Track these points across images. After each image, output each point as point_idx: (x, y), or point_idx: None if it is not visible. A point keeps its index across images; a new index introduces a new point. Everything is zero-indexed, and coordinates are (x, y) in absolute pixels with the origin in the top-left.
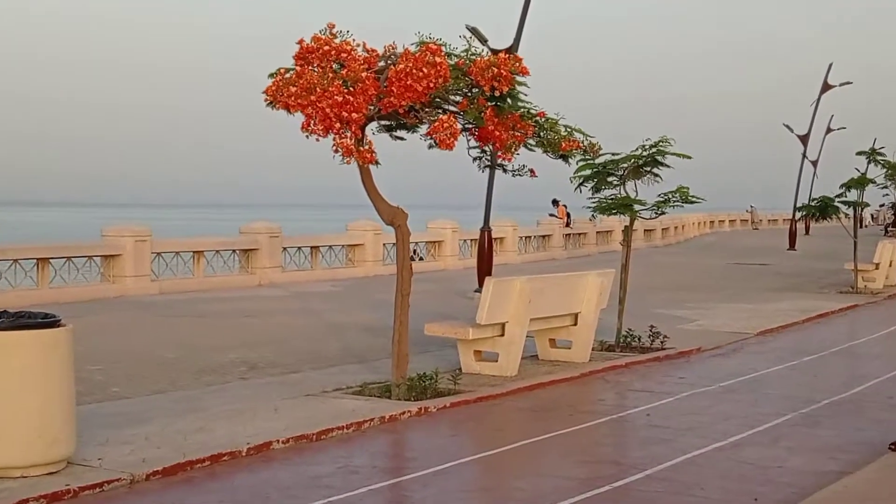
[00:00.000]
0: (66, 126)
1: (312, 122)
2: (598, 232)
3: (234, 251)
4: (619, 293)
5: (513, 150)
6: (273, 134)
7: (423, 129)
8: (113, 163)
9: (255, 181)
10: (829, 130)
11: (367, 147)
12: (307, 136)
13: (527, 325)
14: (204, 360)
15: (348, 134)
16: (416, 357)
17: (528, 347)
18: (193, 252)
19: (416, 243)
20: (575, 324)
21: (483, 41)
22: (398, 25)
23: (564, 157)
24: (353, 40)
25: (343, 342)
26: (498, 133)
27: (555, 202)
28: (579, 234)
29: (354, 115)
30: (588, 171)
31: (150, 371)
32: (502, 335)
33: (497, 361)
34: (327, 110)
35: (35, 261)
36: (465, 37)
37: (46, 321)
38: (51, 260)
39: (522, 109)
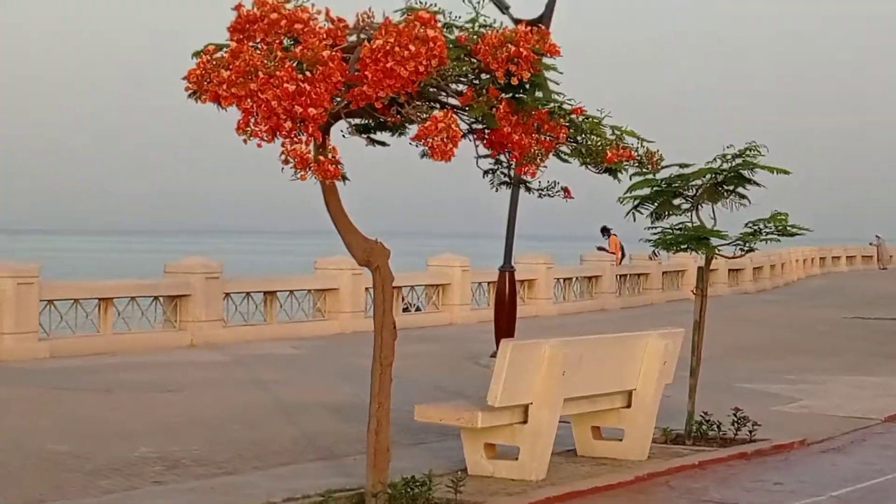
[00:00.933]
0: None
1: (253, 119)
2: (664, 273)
3: (155, 298)
4: (690, 361)
5: (538, 160)
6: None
7: (413, 129)
8: None
9: (180, 198)
10: None
11: (329, 156)
12: (245, 140)
13: (560, 408)
14: (105, 454)
15: (303, 137)
16: (403, 451)
17: (561, 438)
18: (99, 299)
19: (412, 288)
20: (628, 405)
21: (503, 8)
22: None
23: (612, 172)
24: (313, 6)
25: (301, 429)
26: (517, 137)
27: (605, 231)
28: (639, 274)
29: (312, 111)
30: (646, 191)
31: (26, 470)
32: (525, 422)
33: (518, 459)
34: (274, 103)
35: None
36: (471, 1)
37: None
38: None
39: (551, 104)
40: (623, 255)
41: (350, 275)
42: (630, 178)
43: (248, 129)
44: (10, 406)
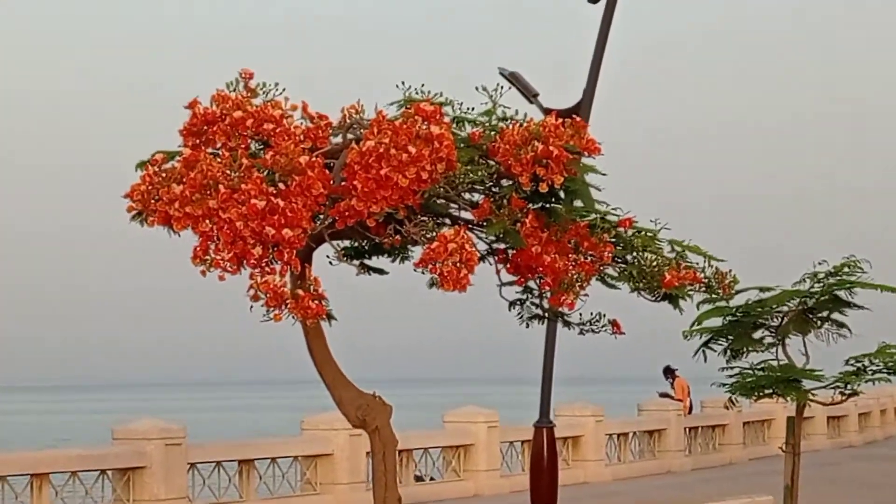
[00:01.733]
0: None
1: (213, 245)
2: (745, 423)
3: (102, 472)
4: None
5: (577, 288)
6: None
7: (417, 252)
8: None
9: (118, 343)
10: None
11: (311, 289)
12: (203, 271)
13: None
14: None
15: (277, 266)
16: None
17: None
18: (31, 475)
19: (425, 452)
20: None
21: (529, 95)
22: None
23: (672, 299)
24: (286, 100)
25: None
26: (549, 259)
27: (669, 373)
28: (713, 426)
29: (288, 233)
30: (717, 322)
31: None
32: None
33: None
34: (239, 225)
35: None
36: (485, 90)
37: None
38: None
39: (592, 215)
40: (692, 403)
41: (346, 436)
42: (697, 307)
43: (208, 257)
44: None
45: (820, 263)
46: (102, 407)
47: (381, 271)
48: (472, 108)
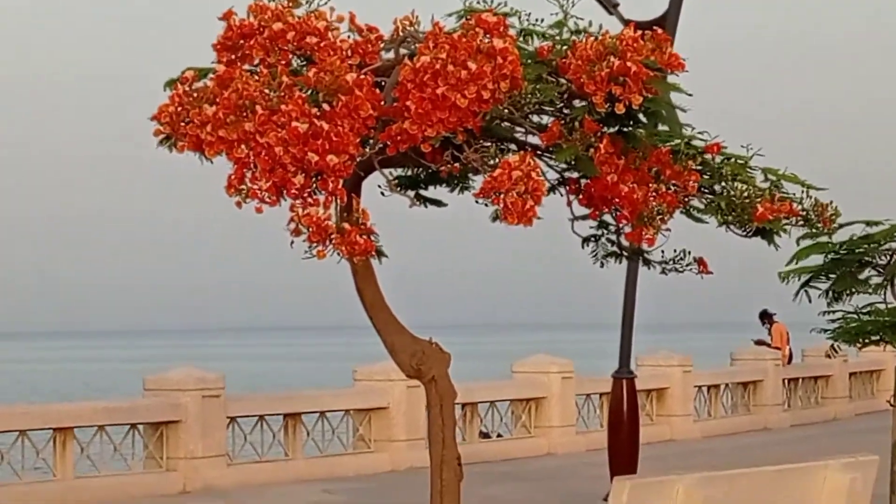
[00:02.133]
0: None
1: (249, 173)
2: (852, 374)
3: (132, 426)
4: (890, 501)
5: (658, 221)
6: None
7: (477, 182)
8: None
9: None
10: None
11: (359, 223)
12: (239, 203)
13: None
14: None
15: (321, 197)
16: None
17: None
18: (53, 429)
19: (491, 405)
20: None
21: (608, 5)
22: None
23: (766, 234)
24: (332, 11)
25: None
26: (626, 189)
27: (765, 318)
28: (815, 378)
29: (333, 160)
30: (818, 260)
31: None
32: None
33: None
34: (278, 150)
35: None
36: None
37: None
38: None
39: (676, 140)
40: (791, 352)
41: (404, 388)
42: (796, 243)
43: (244, 187)
44: None
45: None
46: (132, 355)
47: (438, 203)
48: (541, 20)
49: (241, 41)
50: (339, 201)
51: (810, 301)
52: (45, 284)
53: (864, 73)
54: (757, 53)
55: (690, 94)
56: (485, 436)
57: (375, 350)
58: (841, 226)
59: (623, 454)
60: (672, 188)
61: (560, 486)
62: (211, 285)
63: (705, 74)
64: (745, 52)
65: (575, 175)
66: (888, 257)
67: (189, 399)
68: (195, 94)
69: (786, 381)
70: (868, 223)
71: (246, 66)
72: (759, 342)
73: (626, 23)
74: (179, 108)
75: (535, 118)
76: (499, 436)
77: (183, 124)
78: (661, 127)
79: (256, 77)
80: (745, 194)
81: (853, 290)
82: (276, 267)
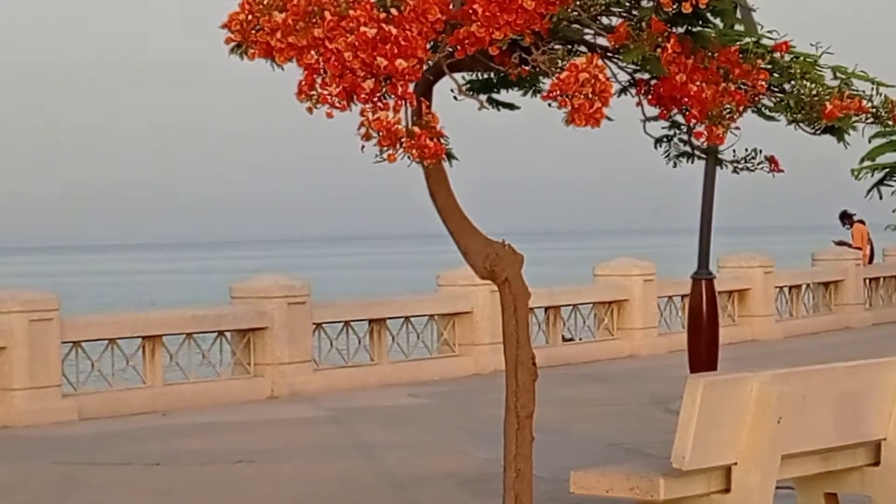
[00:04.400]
0: None
1: (319, 79)
2: None
3: (220, 333)
4: None
5: (726, 120)
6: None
7: (547, 84)
8: None
9: (237, 200)
10: None
11: (428, 125)
12: (310, 108)
13: (777, 469)
14: None
15: (391, 101)
16: None
17: None
18: (142, 337)
19: (574, 308)
20: (877, 462)
21: None
22: None
23: (836, 131)
24: None
25: None
26: (695, 88)
27: (846, 218)
28: (893, 276)
29: (402, 64)
30: (891, 156)
31: None
32: (727, 490)
33: None
34: (348, 55)
35: None
36: None
37: None
38: None
39: (744, 39)
40: (873, 252)
41: (487, 293)
42: (868, 141)
43: (314, 92)
44: (21, 492)
45: None
46: (218, 266)
47: (511, 106)
48: None
49: None
50: (408, 105)
51: (881, 198)
52: (131, 199)
53: None
54: None
55: None
56: (568, 340)
57: (456, 257)
58: None
59: (703, 354)
60: (741, 87)
61: (641, 386)
62: (287, 195)
63: None
64: None
65: (644, 76)
66: None
67: (275, 306)
68: (265, 2)
69: (867, 281)
70: None
71: None
72: (840, 243)
73: None
74: (249, 16)
75: (604, 20)
76: (581, 339)
77: (253, 32)
78: (731, 26)
79: None
80: (814, 92)
81: None
82: (351, 176)
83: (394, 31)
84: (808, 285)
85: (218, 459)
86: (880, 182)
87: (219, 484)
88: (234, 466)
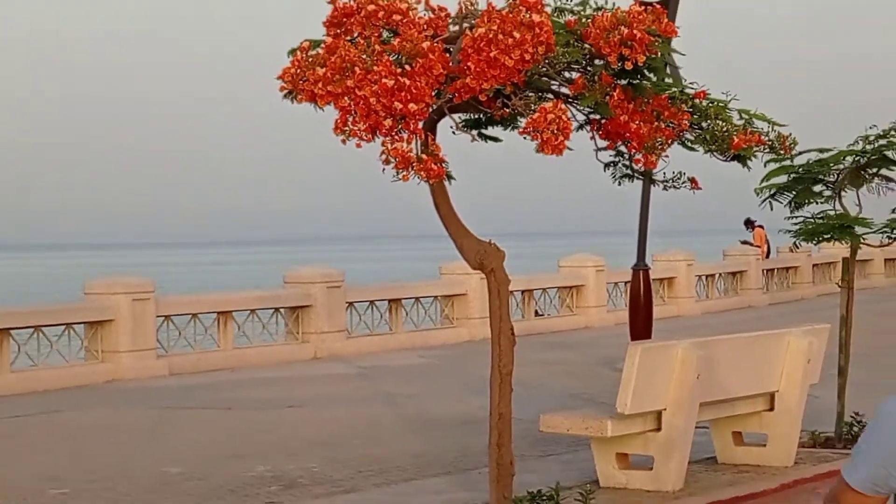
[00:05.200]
0: None
1: (351, 118)
2: (815, 265)
3: (276, 310)
4: (839, 359)
5: (658, 150)
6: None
7: (522, 122)
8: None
9: (282, 207)
10: None
11: (432, 153)
12: (343, 140)
13: (696, 413)
14: (221, 474)
15: (405, 135)
16: (532, 464)
17: (701, 446)
18: (217, 313)
19: (543, 291)
20: (771, 408)
21: None
22: None
23: (741, 159)
24: None
25: (426, 443)
26: (634, 126)
27: (749, 224)
28: (787, 268)
29: (413, 107)
30: (783, 178)
31: (140, 494)
32: (658, 429)
33: (652, 469)
34: (372, 100)
35: None
36: None
37: None
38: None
39: (671, 89)
40: (769, 249)
41: (478, 279)
42: (764, 165)
43: (347, 128)
44: (124, 427)
45: (871, 127)
46: (273, 258)
47: (495, 139)
48: (570, 0)
49: (344, 19)
50: (418, 138)
51: (772, 209)
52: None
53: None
54: (746, 20)
55: (683, 54)
56: (538, 315)
57: (454, 252)
58: (800, 153)
59: (640, 327)
60: (669, 125)
61: (595, 351)
62: (326, 206)
63: (704, 35)
64: (737, 19)
65: (596, 117)
66: (836, 176)
67: (317, 289)
68: (310, 59)
69: (764, 271)
70: (820, 150)
71: (347, 38)
72: (745, 242)
73: (644, 4)
74: (298, 70)
75: (566, 74)
76: (548, 315)
77: (301, 82)
78: (662, 79)
79: (355, 46)
80: (725, 129)
81: (809, 200)
82: (374, 190)
83: (407, 82)
84: (720, 274)
85: (272, 405)
86: (771, 196)
87: (275, 423)
88: (286, 410)
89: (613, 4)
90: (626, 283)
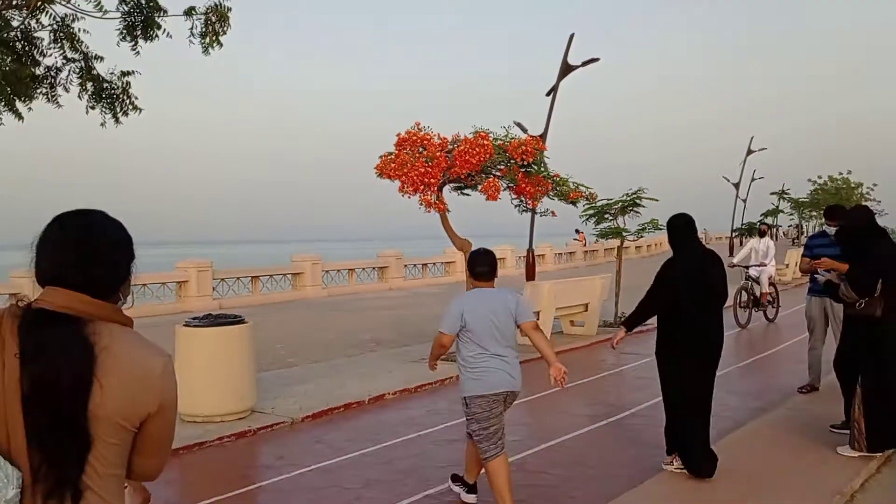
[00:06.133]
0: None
1: (405, 186)
2: (606, 249)
3: (374, 268)
4: (615, 289)
5: (538, 199)
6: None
7: (479, 187)
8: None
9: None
10: (752, 179)
11: (441, 200)
12: (403, 196)
13: (554, 312)
14: (350, 339)
15: (429, 193)
16: None
17: (555, 326)
18: (349, 269)
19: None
20: (586, 310)
21: (524, 130)
22: (468, 118)
23: (574, 203)
24: (432, 132)
25: (420, 328)
26: (528, 189)
27: (577, 231)
28: (592, 251)
29: (432, 181)
30: (591, 212)
31: (314, 348)
32: (537, 318)
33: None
34: (414, 177)
35: (250, 278)
36: (506, 127)
37: (234, 320)
38: (260, 277)
39: (543, 172)
40: (586, 242)
41: (462, 255)
42: (583, 206)
43: (404, 190)
44: (308, 319)
45: (630, 189)
46: (355, 253)
47: (467, 194)
48: (500, 134)
49: (402, 143)
50: (434, 194)
51: (587, 224)
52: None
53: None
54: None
55: (549, 157)
56: None
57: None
58: (598, 200)
59: (531, 276)
60: (542, 188)
61: (508, 286)
62: (395, 229)
63: (564, 139)
64: (589, 124)
65: (510, 185)
66: (615, 210)
67: (392, 259)
68: (388, 160)
69: (584, 252)
70: (608, 199)
71: (405, 150)
72: (575, 240)
73: (533, 137)
74: (383, 165)
75: (498, 166)
76: None
77: (384, 170)
78: (540, 166)
79: (407, 154)
80: (566, 190)
81: (603, 221)
82: (412, 220)
83: (430, 170)
84: (562, 253)
85: (374, 309)
86: (586, 220)
87: (373, 318)
88: (379, 311)
89: (517, 136)
90: (523, 257)
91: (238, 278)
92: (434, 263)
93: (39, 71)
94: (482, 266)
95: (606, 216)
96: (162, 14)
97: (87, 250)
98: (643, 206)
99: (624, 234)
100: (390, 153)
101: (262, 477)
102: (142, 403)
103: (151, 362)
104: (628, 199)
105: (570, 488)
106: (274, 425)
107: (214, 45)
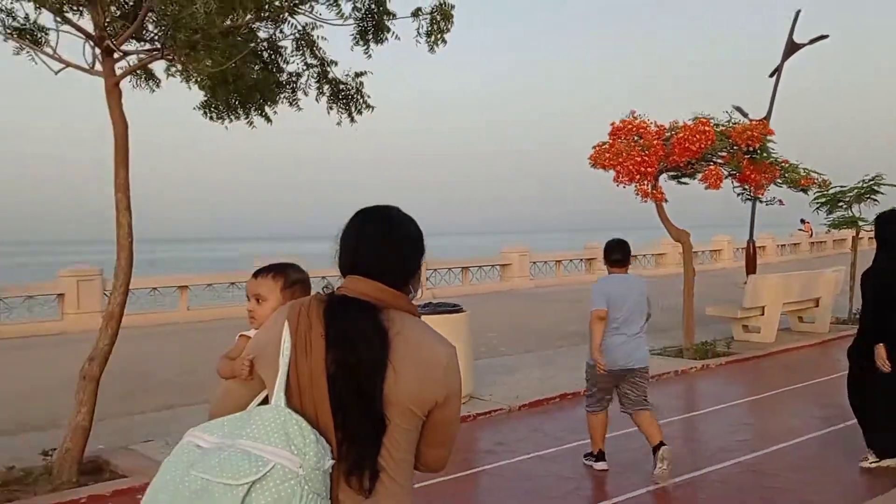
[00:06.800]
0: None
1: (620, 176)
2: (834, 240)
3: (581, 259)
4: (849, 282)
5: (764, 187)
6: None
7: (699, 176)
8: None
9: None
10: None
11: (658, 190)
12: (617, 186)
13: (780, 307)
14: (560, 330)
15: (646, 182)
16: (700, 329)
17: (782, 322)
18: (556, 261)
19: (700, 252)
20: (816, 306)
21: (745, 115)
22: (684, 108)
23: (804, 191)
24: (648, 120)
25: (651, 319)
26: (753, 176)
27: (802, 220)
28: (820, 242)
29: (649, 170)
30: (823, 200)
31: (525, 337)
32: (762, 314)
33: (760, 332)
34: (630, 167)
35: (461, 269)
36: (728, 112)
37: (454, 309)
38: (469, 268)
39: (771, 159)
40: (812, 233)
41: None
42: (814, 194)
43: (619, 180)
44: (517, 309)
45: (866, 175)
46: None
47: (685, 183)
48: (721, 120)
49: (617, 132)
50: (650, 183)
51: (818, 213)
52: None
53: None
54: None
55: (775, 142)
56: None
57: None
58: (832, 187)
59: (751, 269)
60: (769, 175)
61: (727, 279)
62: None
63: (790, 123)
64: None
65: (734, 172)
66: (849, 198)
67: (596, 252)
68: (602, 150)
69: (810, 243)
70: (842, 187)
71: (620, 139)
72: (800, 230)
73: (753, 121)
74: (597, 154)
75: (720, 153)
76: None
77: (598, 160)
78: (764, 155)
79: (622, 143)
80: (796, 177)
81: (836, 210)
82: (613, 206)
83: (646, 159)
84: (786, 244)
85: (579, 300)
86: (817, 209)
87: (579, 308)
88: (581, 303)
89: (741, 121)
90: (742, 248)
91: (449, 269)
92: (644, 255)
93: (283, 77)
94: (617, 254)
95: (840, 204)
96: (391, 17)
97: (385, 243)
98: (882, 194)
99: (860, 223)
100: (604, 143)
101: (484, 462)
102: (430, 391)
103: (438, 351)
104: (865, 185)
105: (808, 492)
106: (492, 412)
107: (439, 42)
